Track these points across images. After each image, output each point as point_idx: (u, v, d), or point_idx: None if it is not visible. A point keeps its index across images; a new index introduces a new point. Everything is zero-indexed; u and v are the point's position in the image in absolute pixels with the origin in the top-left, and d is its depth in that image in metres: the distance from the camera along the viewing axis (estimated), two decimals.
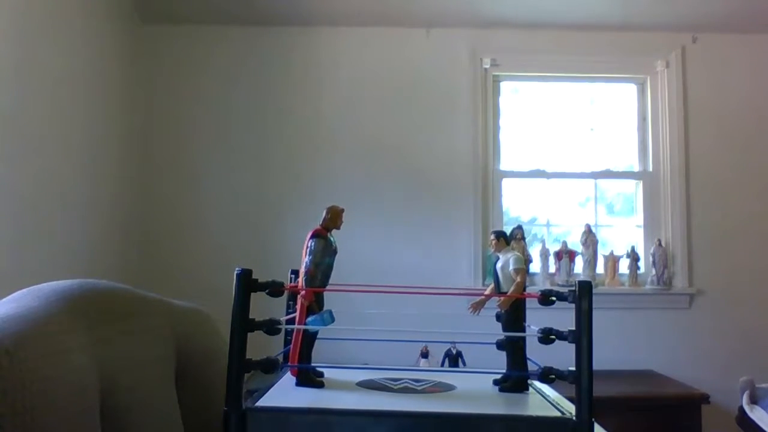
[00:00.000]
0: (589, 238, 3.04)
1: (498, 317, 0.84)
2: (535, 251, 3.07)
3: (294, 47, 3.11)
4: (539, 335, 0.71)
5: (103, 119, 2.75)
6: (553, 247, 3.08)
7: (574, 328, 0.66)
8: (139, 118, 3.04)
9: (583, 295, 0.66)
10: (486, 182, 3.10)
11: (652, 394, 2.62)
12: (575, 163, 3.21)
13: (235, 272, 0.67)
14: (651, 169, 3.18)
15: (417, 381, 0.82)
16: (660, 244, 3.04)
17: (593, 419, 0.65)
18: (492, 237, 0.86)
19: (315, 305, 0.79)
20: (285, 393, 0.76)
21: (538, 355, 0.79)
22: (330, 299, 0.82)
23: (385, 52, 3.13)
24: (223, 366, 0.65)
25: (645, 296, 3.04)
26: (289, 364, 0.79)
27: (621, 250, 3.09)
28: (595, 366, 0.65)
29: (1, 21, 2.02)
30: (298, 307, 0.80)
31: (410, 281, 2.78)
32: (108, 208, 2.78)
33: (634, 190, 3.24)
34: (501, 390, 0.81)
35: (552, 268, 3.04)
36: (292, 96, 3.09)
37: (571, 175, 3.21)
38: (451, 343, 2.42)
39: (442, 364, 2.45)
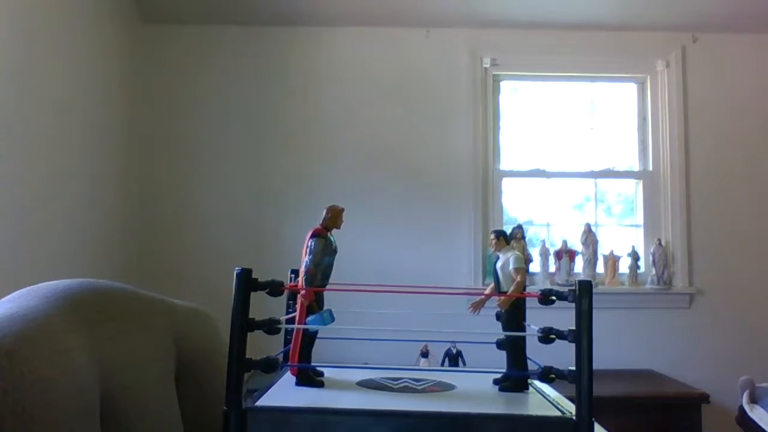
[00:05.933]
0: (589, 237, 3.04)
1: (498, 317, 0.84)
2: (535, 251, 3.07)
3: (294, 47, 3.11)
4: (539, 335, 0.71)
5: (103, 119, 2.75)
6: (553, 247, 3.08)
7: (574, 328, 0.66)
8: (139, 118, 3.04)
9: (583, 294, 0.66)
10: (486, 182, 3.10)
11: (652, 394, 2.61)
12: (575, 163, 3.21)
13: (235, 272, 0.67)
14: (651, 169, 3.18)
15: (417, 380, 0.82)
16: (660, 244, 3.04)
17: (593, 419, 0.65)
18: (492, 236, 0.86)
19: (315, 305, 0.79)
20: (285, 392, 0.76)
21: (538, 354, 0.79)
22: (330, 299, 0.82)
23: (385, 52, 3.13)
24: (223, 366, 0.65)
25: (645, 296, 3.03)
26: (288, 363, 0.79)
27: (621, 249, 3.09)
28: (595, 366, 0.65)
29: (1, 21, 2.02)
30: (298, 306, 0.80)
31: (410, 281, 2.78)
32: (108, 208, 2.78)
33: (634, 189, 3.24)
34: (501, 389, 0.81)
35: (552, 268, 3.04)
36: (292, 96, 3.09)
37: (571, 175, 3.21)
38: (451, 342, 2.42)
39: (442, 364, 2.44)
